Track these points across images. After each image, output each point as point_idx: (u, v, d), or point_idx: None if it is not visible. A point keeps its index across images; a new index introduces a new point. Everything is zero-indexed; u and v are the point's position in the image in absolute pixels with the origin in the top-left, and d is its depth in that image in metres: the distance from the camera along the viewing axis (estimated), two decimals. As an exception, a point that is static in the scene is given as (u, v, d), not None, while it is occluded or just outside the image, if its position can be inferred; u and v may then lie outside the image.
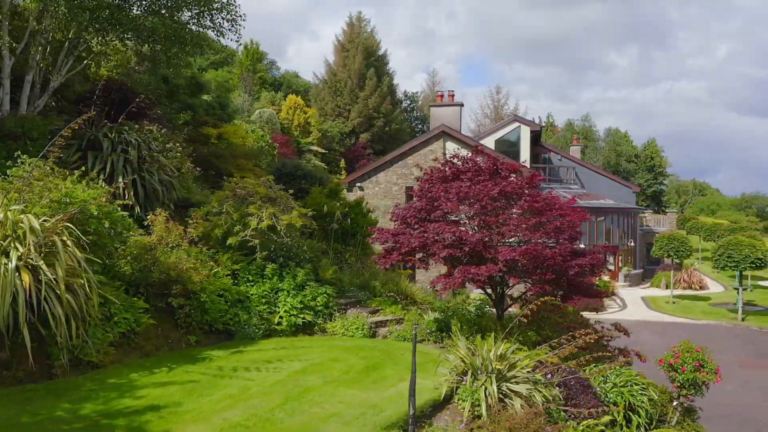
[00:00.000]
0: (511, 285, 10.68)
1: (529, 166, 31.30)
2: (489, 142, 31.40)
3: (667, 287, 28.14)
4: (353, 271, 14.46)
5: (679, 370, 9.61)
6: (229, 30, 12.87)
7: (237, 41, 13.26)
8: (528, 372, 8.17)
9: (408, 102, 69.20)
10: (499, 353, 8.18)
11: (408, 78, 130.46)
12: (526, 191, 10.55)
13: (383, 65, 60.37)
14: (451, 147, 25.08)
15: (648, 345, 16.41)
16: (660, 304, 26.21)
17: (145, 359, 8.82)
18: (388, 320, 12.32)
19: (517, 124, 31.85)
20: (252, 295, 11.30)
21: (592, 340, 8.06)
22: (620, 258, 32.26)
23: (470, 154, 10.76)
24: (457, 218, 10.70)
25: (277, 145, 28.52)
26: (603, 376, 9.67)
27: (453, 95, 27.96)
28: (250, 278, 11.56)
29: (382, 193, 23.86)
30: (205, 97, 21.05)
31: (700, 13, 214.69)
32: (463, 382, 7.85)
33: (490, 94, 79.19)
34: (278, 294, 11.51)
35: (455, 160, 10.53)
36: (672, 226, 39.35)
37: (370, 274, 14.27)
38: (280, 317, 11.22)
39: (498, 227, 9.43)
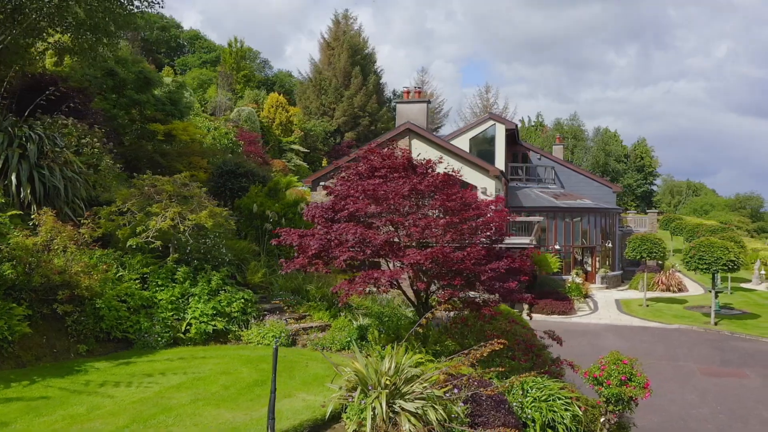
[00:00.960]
0: (432, 290, 9.94)
1: (503, 165, 30.64)
2: (463, 141, 30.61)
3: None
4: (288, 274, 13.71)
5: (604, 384, 8.87)
6: (140, 16, 12.17)
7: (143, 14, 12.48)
8: (427, 386, 7.44)
9: (397, 101, 68.38)
10: (394, 365, 7.47)
11: (407, 77, 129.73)
12: (453, 189, 9.81)
13: (370, 63, 59.61)
14: (417, 144, 24.34)
15: (609, 351, 15.57)
16: (633, 307, 25.39)
17: (17, 370, 8.12)
18: (312, 327, 11.61)
19: (492, 122, 31.03)
20: (160, 300, 10.57)
21: (493, 350, 7.32)
22: (597, 259, 31.44)
23: (390, 151, 9.99)
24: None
25: (242, 143, 27.73)
26: (522, 390, 8.93)
27: (419, 92, 27.18)
28: (160, 282, 10.82)
29: (347, 192, 23.11)
30: (156, 92, 20.26)
31: (700, 13, 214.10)
32: (351, 399, 7.16)
33: (480, 93, 78.25)
34: (189, 299, 10.78)
35: (372, 156, 9.76)
36: (653, 226, 38.46)
37: (304, 277, 13.54)
38: (189, 324, 10.50)
39: (406, 228, 8.68)
